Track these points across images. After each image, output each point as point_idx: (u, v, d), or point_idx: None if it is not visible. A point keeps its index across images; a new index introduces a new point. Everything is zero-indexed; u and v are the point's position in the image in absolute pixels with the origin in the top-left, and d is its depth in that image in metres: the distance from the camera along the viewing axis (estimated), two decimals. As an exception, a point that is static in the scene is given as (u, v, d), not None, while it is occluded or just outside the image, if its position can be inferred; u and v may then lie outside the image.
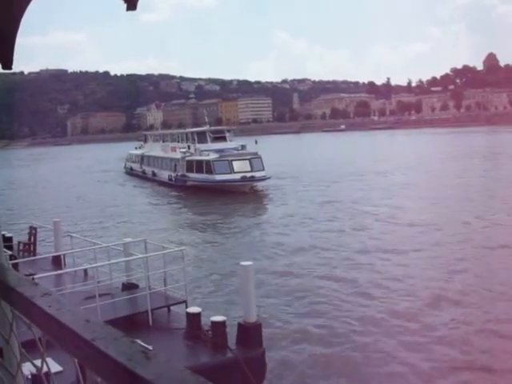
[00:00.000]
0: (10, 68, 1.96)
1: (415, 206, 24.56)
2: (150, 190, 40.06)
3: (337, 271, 14.58)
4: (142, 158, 49.05)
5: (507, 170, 36.45)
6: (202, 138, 37.57)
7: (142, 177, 46.90)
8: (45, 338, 0.88)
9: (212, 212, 26.20)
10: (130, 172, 52.39)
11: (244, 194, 31.16)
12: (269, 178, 33.32)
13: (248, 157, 33.54)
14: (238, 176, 32.12)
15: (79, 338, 0.70)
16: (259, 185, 33.77)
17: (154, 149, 47.39)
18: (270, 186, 33.85)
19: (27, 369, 1.15)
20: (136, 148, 55.51)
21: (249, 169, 32.65)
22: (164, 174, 40.85)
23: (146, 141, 54.16)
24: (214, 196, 30.59)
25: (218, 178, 32.64)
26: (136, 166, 50.58)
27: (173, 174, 38.62)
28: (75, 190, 39.91)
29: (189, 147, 37.31)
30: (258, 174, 32.68)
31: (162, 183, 40.60)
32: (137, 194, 37.77)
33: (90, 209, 29.70)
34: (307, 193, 31.07)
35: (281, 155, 58.31)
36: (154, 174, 43.79)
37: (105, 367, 0.65)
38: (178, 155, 38.19)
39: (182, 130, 48.62)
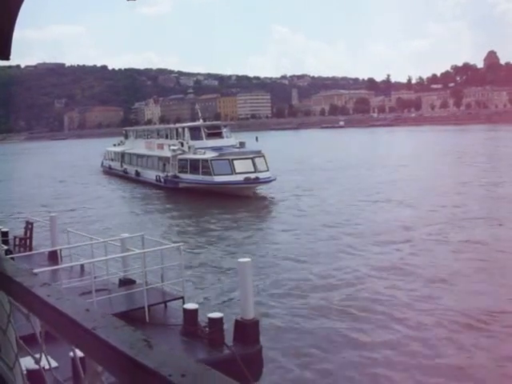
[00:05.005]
0: (8, 59, 1.94)
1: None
2: (134, 192, 35.34)
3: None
4: (123, 156, 44.20)
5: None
6: (195, 134, 33.29)
7: (124, 176, 42.14)
8: (43, 330, 0.87)
9: (217, 222, 22.47)
10: (109, 171, 47.30)
11: (248, 199, 27.65)
12: (274, 179, 29.69)
13: (251, 155, 29.76)
14: (240, 177, 28.33)
15: (80, 326, 0.69)
16: (262, 188, 30.05)
17: (137, 145, 42.42)
18: (271, 189, 30.39)
19: (22, 364, 1.13)
20: (115, 145, 50.14)
21: (252, 169, 28.86)
22: (150, 175, 36.40)
23: (126, 137, 48.75)
24: (213, 200, 27.04)
25: (218, 179, 28.90)
26: (115, 165, 45.72)
27: (161, 175, 34.25)
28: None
29: (182, 144, 33.08)
30: (262, 176, 28.95)
31: (148, 184, 36.11)
32: (121, 198, 33.21)
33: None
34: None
35: (281, 153, 56.18)
36: (137, 174, 39.23)
37: (106, 356, 0.64)
38: (167, 153, 33.90)
39: (171, 125, 43.45)
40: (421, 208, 23.17)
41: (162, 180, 34.01)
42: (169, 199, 30.59)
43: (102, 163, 51.26)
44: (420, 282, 13.18)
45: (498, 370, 8.63)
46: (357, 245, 17.08)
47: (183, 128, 35.49)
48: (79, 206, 28.72)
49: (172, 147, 33.40)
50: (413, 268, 14.34)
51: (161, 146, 36.92)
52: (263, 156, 30.24)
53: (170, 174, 33.11)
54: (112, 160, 47.78)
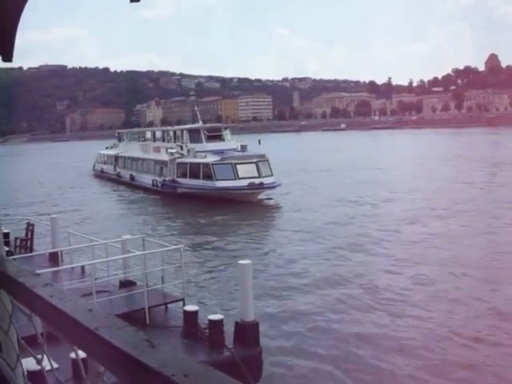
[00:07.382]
0: (10, 60, 1.95)
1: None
2: (129, 197, 33.87)
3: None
4: (117, 159, 42.74)
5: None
6: (195, 136, 31.90)
7: (117, 180, 40.58)
8: (45, 331, 0.87)
9: (219, 227, 21.70)
10: (101, 175, 45.79)
11: (252, 205, 26.62)
12: (279, 185, 28.47)
13: (254, 159, 28.54)
14: (244, 183, 27.10)
15: (82, 327, 0.69)
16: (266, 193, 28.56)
17: (131, 148, 40.97)
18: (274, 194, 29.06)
19: (24, 365, 1.13)
20: (107, 148, 48.51)
21: (256, 174, 27.66)
22: (146, 179, 34.75)
23: (120, 139, 47.27)
24: (214, 206, 25.74)
25: (220, 184, 27.60)
26: (108, 168, 44.25)
27: (158, 179, 32.71)
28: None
29: (181, 147, 31.59)
30: (266, 181, 27.75)
31: (143, 189, 34.57)
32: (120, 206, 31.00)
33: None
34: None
35: (284, 156, 54.43)
36: (132, 178, 37.78)
37: (109, 356, 0.64)
38: (164, 156, 32.51)
39: (168, 127, 42.04)
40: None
41: (159, 185, 32.55)
42: (167, 205, 29.22)
43: (94, 166, 49.60)
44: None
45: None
46: (362, 246, 17.07)
47: (182, 130, 33.99)
48: (69, 212, 26.95)
49: (170, 150, 32.01)
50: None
51: (157, 149, 35.53)
52: (267, 160, 29.07)
53: (167, 179, 31.64)
54: (104, 163, 46.36)
